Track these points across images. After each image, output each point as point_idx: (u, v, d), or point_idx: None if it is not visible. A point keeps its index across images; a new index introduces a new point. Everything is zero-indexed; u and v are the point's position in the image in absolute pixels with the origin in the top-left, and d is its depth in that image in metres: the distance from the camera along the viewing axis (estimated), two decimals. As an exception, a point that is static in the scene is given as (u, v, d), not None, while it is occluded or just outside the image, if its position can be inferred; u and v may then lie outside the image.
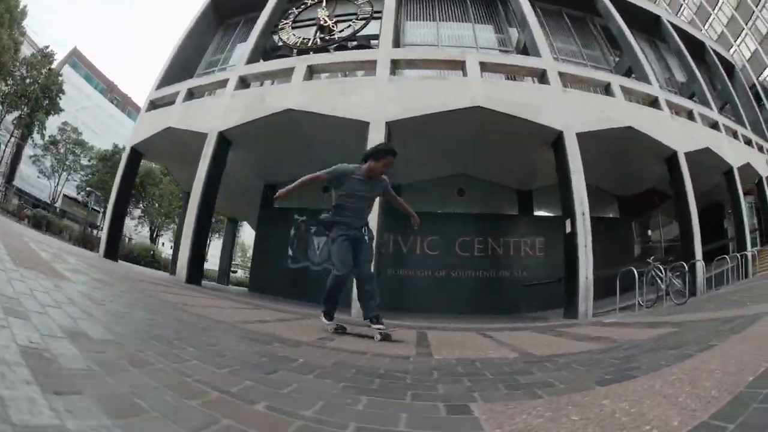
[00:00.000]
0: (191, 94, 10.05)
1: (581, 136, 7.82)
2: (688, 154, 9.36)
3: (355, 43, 9.90)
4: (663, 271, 7.28)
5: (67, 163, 29.70)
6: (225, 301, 5.21)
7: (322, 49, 9.91)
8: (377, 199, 3.50)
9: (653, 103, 9.73)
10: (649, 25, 13.18)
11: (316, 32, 10.43)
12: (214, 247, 20.24)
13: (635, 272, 7.00)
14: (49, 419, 0.68)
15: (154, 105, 10.71)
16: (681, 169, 9.14)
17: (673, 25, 13.53)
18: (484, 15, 11.15)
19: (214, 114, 8.95)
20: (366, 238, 3.14)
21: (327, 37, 10.17)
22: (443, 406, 1.16)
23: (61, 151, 29.39)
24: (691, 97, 11.88)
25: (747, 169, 12.05)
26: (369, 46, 9.62)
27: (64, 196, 31.81)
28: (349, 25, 10.10)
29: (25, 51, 25.74)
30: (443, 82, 8.28)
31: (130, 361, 1.20)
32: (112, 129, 38.15)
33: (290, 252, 10.69)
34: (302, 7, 11.13)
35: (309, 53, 9.87)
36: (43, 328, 1.30)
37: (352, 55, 9.12)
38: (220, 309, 3.81)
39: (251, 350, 1.84)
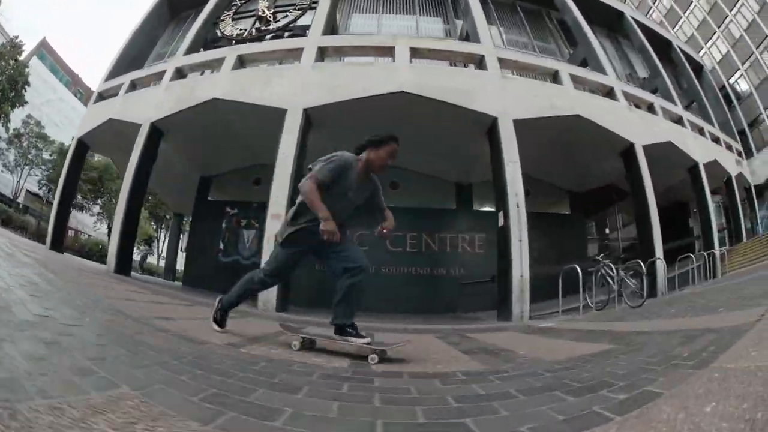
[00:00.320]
0: (134, 86, 9.73)
1: (523, 124, 7.18)
2: (647, 147, 8.88)
3: (291, 33, 9.31)
4: (614, 270, 6.56)
5: (29, 157, 28.31)
6: (147, 294, 5.17)
7: (257, 39, 9.33)
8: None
9: (609, 93, 9.18)
10: (611, 21, 12.80)
11: (254, 23, 9.89)
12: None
13: (578, 270, 6.23)
14: None
15: (101, 96, 10.43)
16: (638, 162, 8.61)
17: (638, 22, 13.17)
18: (432, 8, 10.70)
19: (150, 105, 8.67)
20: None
21: (263, 28, 9.61)
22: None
23: (24, 144, 28.03)
24: (653, 92, 11.36)
25: (715, 166, 11.51)
26: (304, 36, 9.03)
27: (27, 191, 30.15)
28: (286, 16, 9.54)
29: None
30: (371, 68, 7.65)
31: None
32: (74, 123, 36.67)
33: (221, 245, 10.26)
34: (246, -3, 10.62)
35: (246, 44, 9.31)
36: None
37: (279, 44, 8.56)
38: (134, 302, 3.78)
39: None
